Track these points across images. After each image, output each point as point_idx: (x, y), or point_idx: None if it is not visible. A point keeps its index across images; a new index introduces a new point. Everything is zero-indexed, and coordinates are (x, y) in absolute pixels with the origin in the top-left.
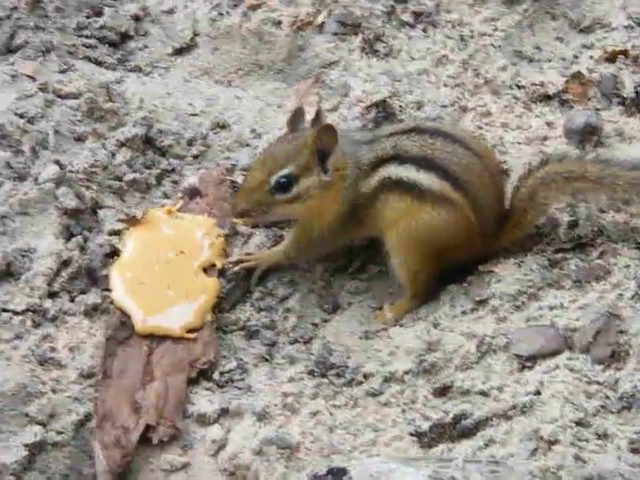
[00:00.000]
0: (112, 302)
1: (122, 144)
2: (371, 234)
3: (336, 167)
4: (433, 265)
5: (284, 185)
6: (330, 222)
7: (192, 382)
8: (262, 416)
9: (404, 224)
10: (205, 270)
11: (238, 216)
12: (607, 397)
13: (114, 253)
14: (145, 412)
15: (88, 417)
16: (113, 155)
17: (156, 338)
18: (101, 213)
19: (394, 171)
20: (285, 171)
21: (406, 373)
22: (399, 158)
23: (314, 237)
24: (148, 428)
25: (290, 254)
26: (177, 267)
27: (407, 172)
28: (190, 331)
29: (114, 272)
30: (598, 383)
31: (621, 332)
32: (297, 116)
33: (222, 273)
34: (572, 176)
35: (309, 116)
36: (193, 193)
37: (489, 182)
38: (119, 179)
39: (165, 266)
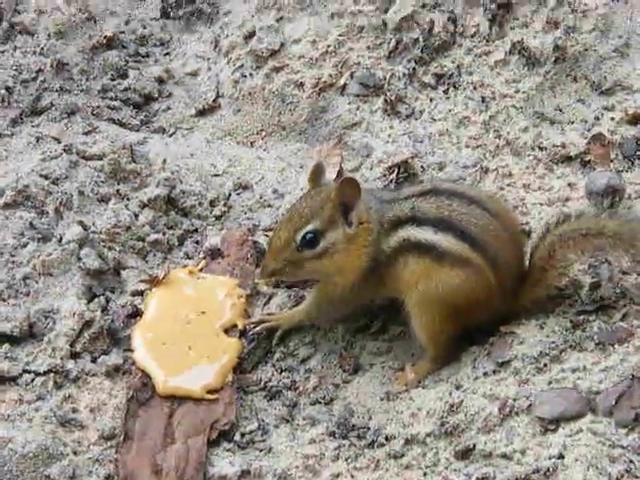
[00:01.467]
0: (134, 363)
1: (145, 205)
2: (391, 294)
3: (360, 220)
4: (453, 326)
5: (311, 241)
6: (353, 280)
7: (213, 443)
8: (283, 478)
9: (423, 285)
10: (226, 331)
11: (269, 276)
12: (631, 461)
13: (136, 314)
14: (166, 475)
15: (109, 478)
16: (136, 216)
17: (177, 399)
18: (124, 274)
19: (412, 233)
20: (310, 227)
21: (428, 435)
22: (417, 220)
23: (336, 297)
24: None
25: (312, 314)
26: (198, 327)
27: (425, 234)
28: (211, 392)
29: (136, 332)
30: (622, 447)
31: None
32: (318, 172)
33: (243, 333)
34: (590, 233)
35: (330, 174)
36: (215, 253)
37: (507, 242)
38: (142, 240)
39: (186, 326)
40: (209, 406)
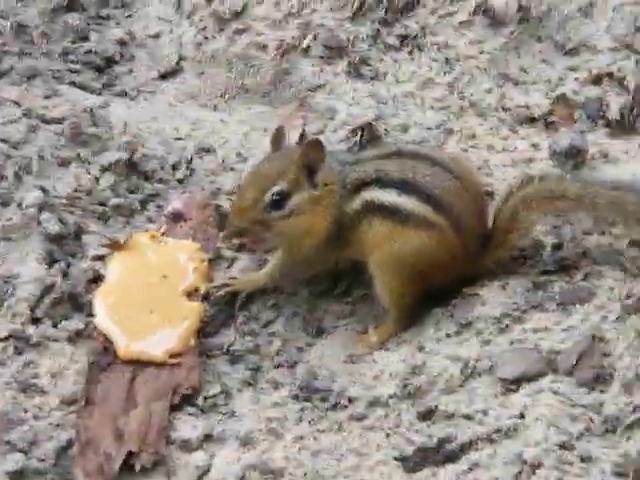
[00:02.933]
0: (95, 327)
1: (106, 169)
2: (355, 256)
3: (324, 182)
4: (417, 288)
5: (278, 201)
6: (318, 240)
7: (175, 408)
8: (246, 441)
9: (387, 247)
10: (189, 295)
11: (235, 236)
12: (591, 420)
13: (98, 279)
14: (128, 439)
15: (70, 444)
16: (97, 180)
17: (139, 364)
18: (85, 238)
19: (376, 195)
20: (277, 187)
21: (390, 397)
22: (380, 182)
23: (300, 258)
24: (131, 455)
25: (275, 277)
26: (160, 292)
27: (388, 196)
28: (173, 356)
29: (97, 297)
30: (582, 406)
31: (605, 355)
32: (279, 136)
33: (206, 297)
34: (552, 195)
35: (293, 137)
36: (177, 217)
37: (471, 203)
38: (103, 204)
39: (148, 291)
40: (171, 371)
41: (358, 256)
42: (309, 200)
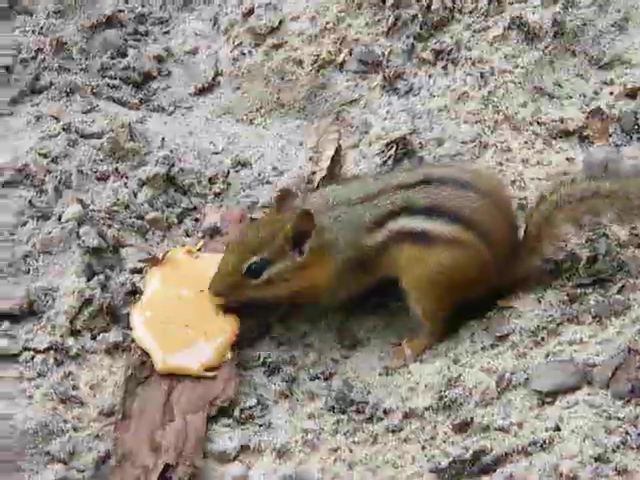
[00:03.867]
0: (133, 341)
1: (144, 183)
2: (388, 276)
3: (312, 248)
4: (450, 303)
5: (256, 270)
6: (330, 281)
7: (212, 420)
8: (282, 453)
9: (418, 270)
10: (225, 308)
11: (215, 295)
12: (627, 433)
13: (135, 292)
14: (165, 452)
15: (108, 455)
16: (135, 194)
17: (175, 377)
18: (123, 252)
19: (404, 223)
20: (256, 257)
21: (426, 409)
22: (409, 211)
23: (329, 299)
24: (167, 467)
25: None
26: (197, 306)
27: (416, 223)
28: (209, 369)
29: (135, 311)
30: (618, 419)
31: None
32: (284, 197)
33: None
34: (585, 195)
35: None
36: (214, 232)
37: (500, 218)
38: (141, 218)
39: (185, 305)
40: (208, 383)
41: (390, 275)
42: (292, 268)
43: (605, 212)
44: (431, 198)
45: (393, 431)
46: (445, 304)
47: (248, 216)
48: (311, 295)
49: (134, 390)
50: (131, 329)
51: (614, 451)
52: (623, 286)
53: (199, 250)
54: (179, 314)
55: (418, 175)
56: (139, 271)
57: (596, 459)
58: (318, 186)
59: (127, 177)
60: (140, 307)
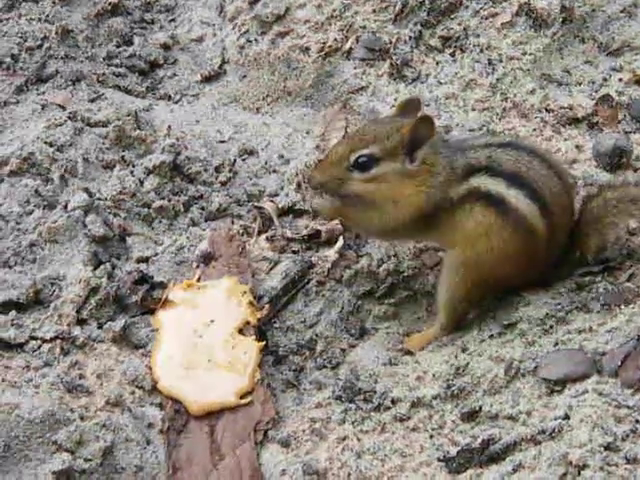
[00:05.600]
0: (160, 393)
1: (150, 171)
2: (438, 243)
3: (425, 160)
4: (481, 294)
5: (363, 164)
6: (407, 214)
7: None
8: (290, 442)
9: (480, 245)
10: (241, 331)
11: (314, 188)
12: (637, 421)
13: (143, 280)
14: None
15: (115, 444)
16: (141, 182)
17: (214, 415)
18: (129, 240)
19: (484, 182)
20: (367, 150)
21: (434, 398)
22: (492, 170)
23: (386, 226)
24: None
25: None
26: (212, 337)
27: (497, 186)
28: (244, 396)
29: (154, 362)
30: (627, 407)
31: None
32: (411, 105)
33: (259, 328)
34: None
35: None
36: (207, 258)
37: (569, 218)
38: (147, 206)
39: (200, 340)
40: (247, 410)
41: (441, 244)
42: (400, 172)
43: None
44: (517, 164)
45: (401, 420)
46: (475, 295)
47: (236, 233)
48: (386, 214)
49: (176, 441)
50: (156, 382)
51: (623, 440)
52: (632, 274)
53: (198, 280)
54: (197, 351)
55: (507, 138)
56: (146, 260)
57: (605, 448)
58: None
59: (133, 165)
60: (157, 357)
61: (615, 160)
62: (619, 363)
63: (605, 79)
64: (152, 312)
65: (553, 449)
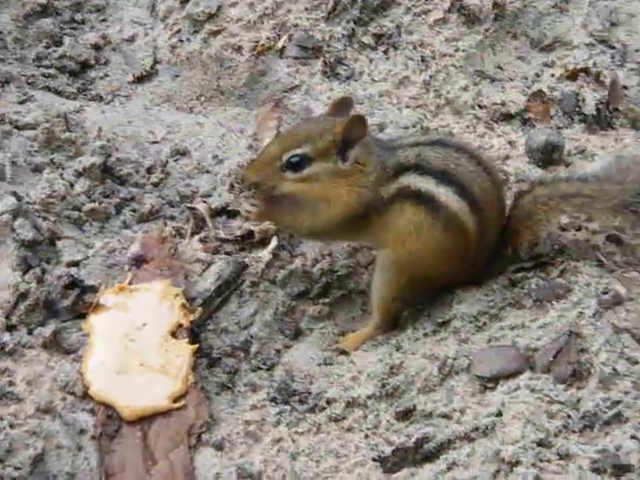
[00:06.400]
0: (92, 398)
1: (80, 174)
2: (371, 243)
3: (357, 160)
4: (414, 293)
5: (296, 164)
6: (339, 215)
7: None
8: (224, 445)
9: (410, 244)
10: (174, 334)
11: (247, 188)
12: (569, 416)
13: (73, 284)
14: None
15: (46, 451)
16: (71, 185)
17: (146, 419)
18: (59, 244)
19: (413, 181)
20: (299, 150)
21: (369, 398)
22: (421, 168)
23: (319, 227)
24: None
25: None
26: (145, 341)
27: (426, 184)
28: (177, 400)
29: (86, 368)
30: (560, 403)
31: (582, 351)
32: (342, 104)
33: (192, 330)
34: (568, 194)
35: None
36: (139, 261)
37: (499, 214)
38: (78, 209)
39: (132, 345)
40: (180, 414)
41: (374, 243)
42: (332, 172)
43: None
44: (446, 161)
45: (336, 420)
46: (408, 293)
47: (168, 235)
48: (319, 215)
49: (109, 447)
50: (88, 388)
51: (556, 435)
52: (564, 269)
53: (130, 284)
54: (130, 355)
55: (436, 137)
56: (76, 264)
57: (538, 444)
58: None
59: (63, 168)
60: (89, 362)
61: (547, 156)
62: (551, 359)
63: (537, 75)
64: (83, 317)
65: (486, 446)
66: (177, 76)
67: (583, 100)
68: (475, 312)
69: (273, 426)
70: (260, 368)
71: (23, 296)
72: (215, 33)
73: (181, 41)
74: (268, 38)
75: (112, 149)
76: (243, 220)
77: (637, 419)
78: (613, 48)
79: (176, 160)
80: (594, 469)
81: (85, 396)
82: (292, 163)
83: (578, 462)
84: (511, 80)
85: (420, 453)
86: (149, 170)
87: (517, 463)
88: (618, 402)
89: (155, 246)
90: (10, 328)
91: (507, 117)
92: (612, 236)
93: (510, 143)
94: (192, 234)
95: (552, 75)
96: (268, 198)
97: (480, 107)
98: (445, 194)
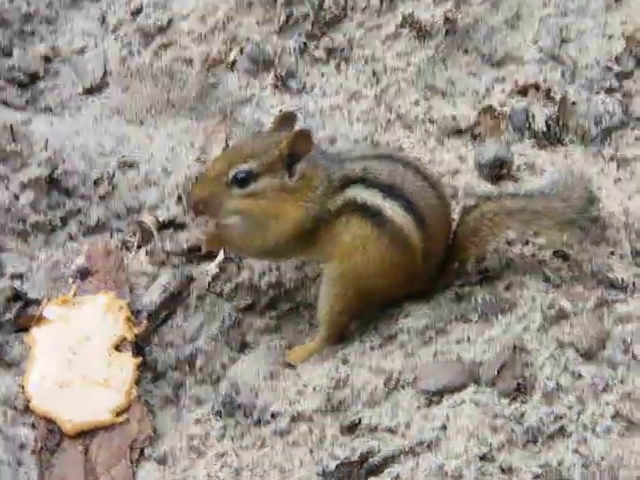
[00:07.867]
0: (34, 412)
1: (25, 185)
2: (319, 258)
3: (304, 174)
4: (361, 306)
5: (242, 179)
6: (288, 231)
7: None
8: (166, 460)
9: (357, 256)
10: (118, 347)
11: (193, 206)
12: (512, 431)
13: (17, 297)
14: None
15: None
16: (16, 197)
17: (88, 434)
18: (3, 256)
19: (360, 193)
20: (245, 166)
21: (314, 412)
22: (368, 181)
23: (267, 244)
24: None
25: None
26: (88, 354)
27: (373, 197)
28: (120, 414)
29: (27, 381)
30: (504, 417)
31: (526, 365)
32: (287, 119)
33: (136, 344)
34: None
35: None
36: (84, 273)
37: (446, 230)
38: (22, 221)
39: (74, 358)
40: (122, 428)
41: (321, 258)
42: (279, 187)
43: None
44: (392, 175)
45: (281, 434)
46: (355, 307)
47: (112, 248)
48: (266, 231)
49: (49, 461)
50: (29, 402)
51: (499, 449)
52: (510, 283)
53: (74, 296)
54: (73, 369)
55: (384, 151)
56: (20, 276)
57: (481, 458)
58: None
59: (8, 180)
60: (30, 375)
61: (496, 171)
62: (496, 373)
63: (488, 90)
64: (26, 330)
65: (430, 460)
66: (127, 88)
67: (533, 116)
68: (421, 326)
69: (217, 440)
70: (205, 382)
71: None
72: (166, 46)
73: (131, 53)
74: (219, 51)
75: (59, 161)
76: (190, 233)
77: (580, 434)
78: (563, 64)
79: (124, 172)
80: None
81: (26, 410)
82: (238, 179)
83: (521, 476)
84: (462, 95)
85: (365, 467)
86: (96, 182)
87: (460, 477)
88: (561, 417)
89: (101, 259)
90: None
91: (457, 132)
92: (559, 251)
93: (460, 158)
94: (139, 247)
95: (503, 90)
96: (216, 219)
97: (431, 122)
98: (391, 208)
